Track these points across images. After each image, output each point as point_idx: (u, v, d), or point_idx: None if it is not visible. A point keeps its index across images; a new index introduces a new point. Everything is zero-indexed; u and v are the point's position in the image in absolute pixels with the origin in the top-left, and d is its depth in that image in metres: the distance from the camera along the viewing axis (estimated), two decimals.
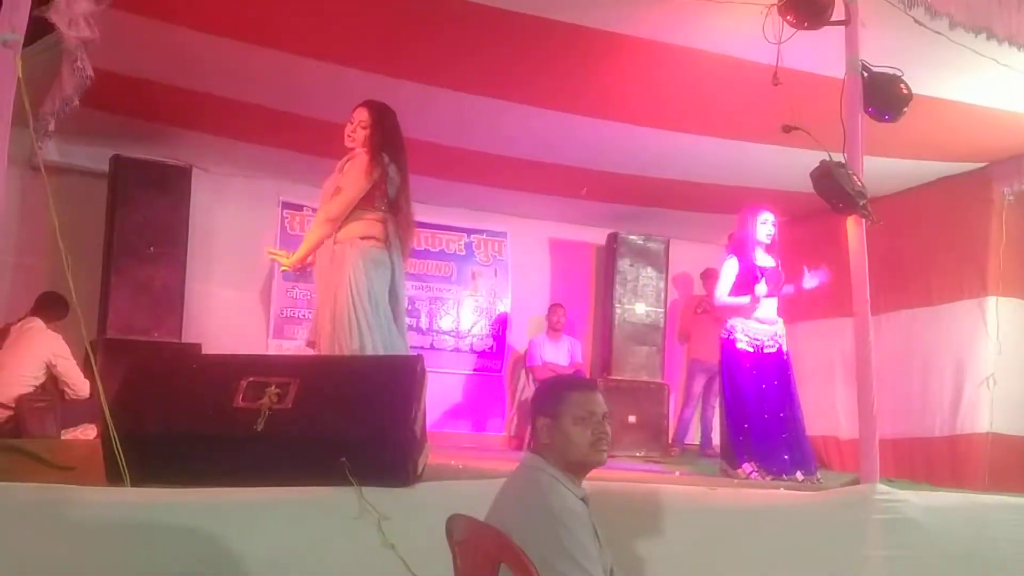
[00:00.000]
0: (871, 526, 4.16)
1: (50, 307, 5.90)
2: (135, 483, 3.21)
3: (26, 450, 4.18)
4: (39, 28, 3.81)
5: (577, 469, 2.56)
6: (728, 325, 5.61)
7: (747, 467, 5.35)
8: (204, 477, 3.23)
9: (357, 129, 4.56)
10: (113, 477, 3.28)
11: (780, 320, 5.64)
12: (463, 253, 8.44)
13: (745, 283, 5.55)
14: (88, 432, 5.55)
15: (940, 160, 6.66)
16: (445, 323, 8.33)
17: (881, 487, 4.24)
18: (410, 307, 8.02)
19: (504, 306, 8.56)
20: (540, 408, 2.60)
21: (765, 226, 5.63)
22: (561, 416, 2.53)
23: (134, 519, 3.10)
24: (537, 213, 8.42)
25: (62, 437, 5.55)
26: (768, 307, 5.58)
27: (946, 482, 6.25)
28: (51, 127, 4.51)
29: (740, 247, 5.70)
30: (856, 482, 4.38)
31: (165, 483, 3.21)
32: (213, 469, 3.26)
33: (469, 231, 8.42)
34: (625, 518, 3.67)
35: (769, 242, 5.65)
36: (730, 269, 5.63)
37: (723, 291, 5.63)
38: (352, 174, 4.50)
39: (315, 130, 5.92)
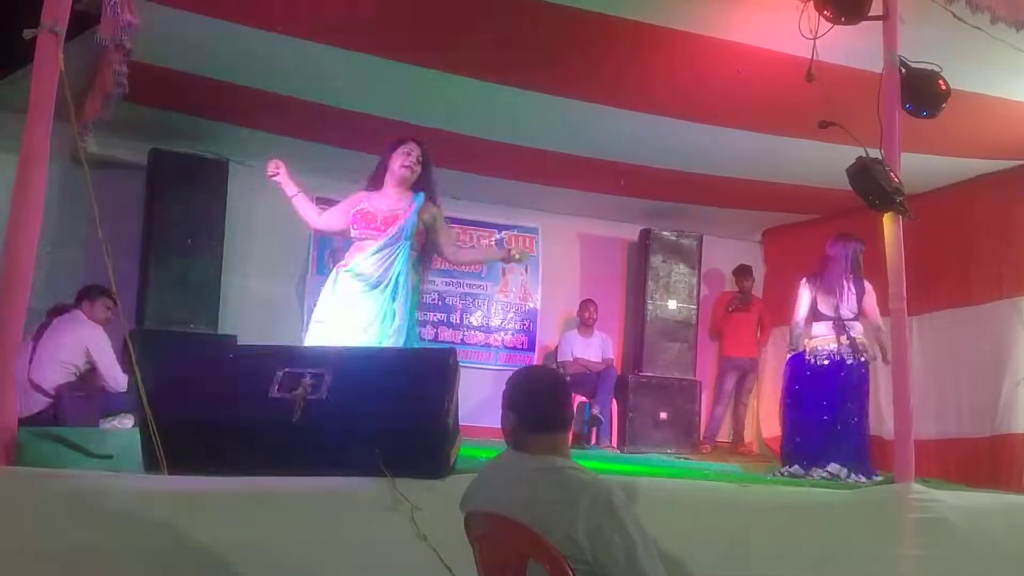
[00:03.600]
0: (905, 525, 4.14)
1: (91, 299, 6.00)
2: (172, 472, 3.26)
3: (65, 439, 4.25)
4: (81, 22, 3.88)
5: None
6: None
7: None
8: (239, 466, 3.28)
9: (415, 165, 4.72)
10: (151, 466, 3.33)
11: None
12: None
13: None
14: (126, 422, 5.63)
15: (979, 157, 6.56)
16: (476, 319, 8.35)
17: (916, 486, 4.21)
18: (441, 303, 8.10)
19: (535, 302, 8.57)
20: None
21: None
22: None
23: (170, 507, 3.14)
24: (569, 209, 8.40)
25: (100, 426, 5.64)
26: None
27: (986, 483, 6.17)
28: (91, 121, 4.61)
29: None
30: (891, 481, 4.35)
31: (201, 472, 3.26)
32: (248, 458, 3.31)
33: (500, 227, 8.42)
34: (654, 514, 3.66)
35: None
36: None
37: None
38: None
39: (351, 124, 5.96)
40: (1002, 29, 4.53)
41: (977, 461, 6.64)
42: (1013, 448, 6.48)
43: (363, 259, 4.62)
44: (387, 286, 4.58)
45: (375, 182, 4.81)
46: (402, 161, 4.69)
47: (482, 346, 8.33)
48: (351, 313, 4.56)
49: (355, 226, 4.69)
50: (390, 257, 4.61)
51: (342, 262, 4.73)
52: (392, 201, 4.70)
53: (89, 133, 5.17)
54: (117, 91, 4.47)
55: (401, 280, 4.60)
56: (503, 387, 2.62)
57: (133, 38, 4.07)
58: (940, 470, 6.13)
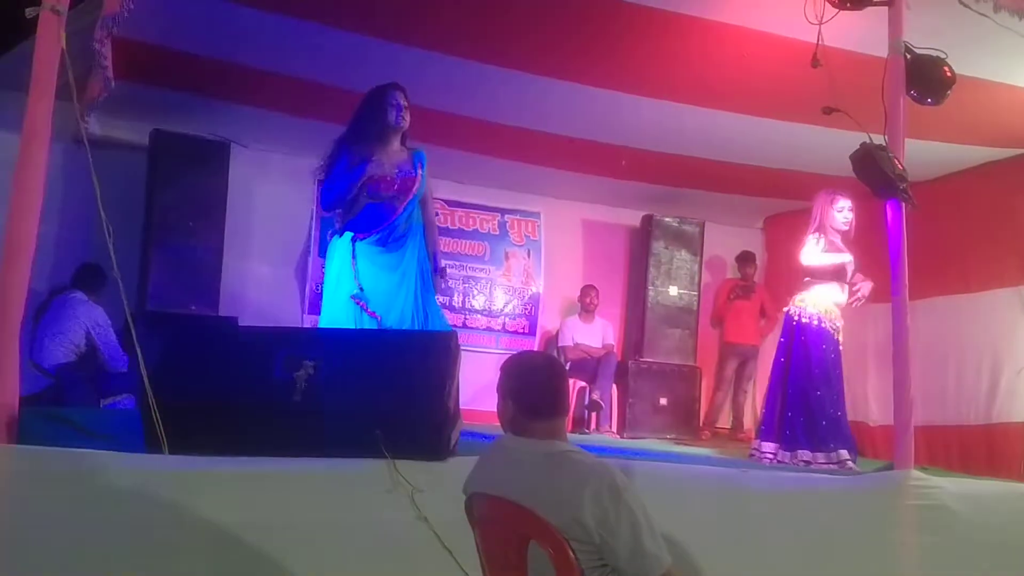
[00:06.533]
0: (905, 512, 4.14)
1: (90, 279, 6.00)
2: (172, 452, 3.27)
3: (66, 419, 4.27)
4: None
5: None
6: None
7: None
8: (240, 447, 3.29)
9: (407, 113, 4.76)
10: (152, 445, 3.34)
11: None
12: (497, 233, 8.44)
13: None
14: (127, 402, 5.64)
15: (983, 145, 6.53)
16: (478, 302, 8.35)
17: (916, 473, 4.21)
18: (443, 285, 8.09)
19: (537, 287, 8.56)
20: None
21: (842, 213, 5.56)
22: None
23: (171, 487, 3.15)
24: (571, 194, 8.39)
25: (101, 406, 5.65)
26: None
27: (981, 471, 6.18)
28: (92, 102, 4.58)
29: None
30: (891, 468, 4.35)
31: (202, 452, 3.27)
32: (249, 439, 3.32)
33: (503, 211, 8.42)
34: (652, 499, 3.67)
35: (847, 229, 5.57)
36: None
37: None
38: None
39: (353, 104, 5.92)
40: (1007, 16, 4.50)
41: (971, 449, 6.65)
42: (1013, 437, 6.48)
43: (388, 226, 4.71)
44: (405, 248, 4.72)
45: (372, 139, 4.76)
46: (396, 116, 4.72)
47: (484, 330, 8.34)
48: (384, 279, 4.67)
49: (371, 192, 4.73)
50: (407, 220, 4.75)
51: (360, 235, 4.73)
52: (394, 157, 4.76)
53: (91, 113, 5.15)
54: (99, 71, 4.44)
55: (418, 240, 4.74)
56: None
57: (118, 19, 4.05)
58: (929, 457, 6.13)
